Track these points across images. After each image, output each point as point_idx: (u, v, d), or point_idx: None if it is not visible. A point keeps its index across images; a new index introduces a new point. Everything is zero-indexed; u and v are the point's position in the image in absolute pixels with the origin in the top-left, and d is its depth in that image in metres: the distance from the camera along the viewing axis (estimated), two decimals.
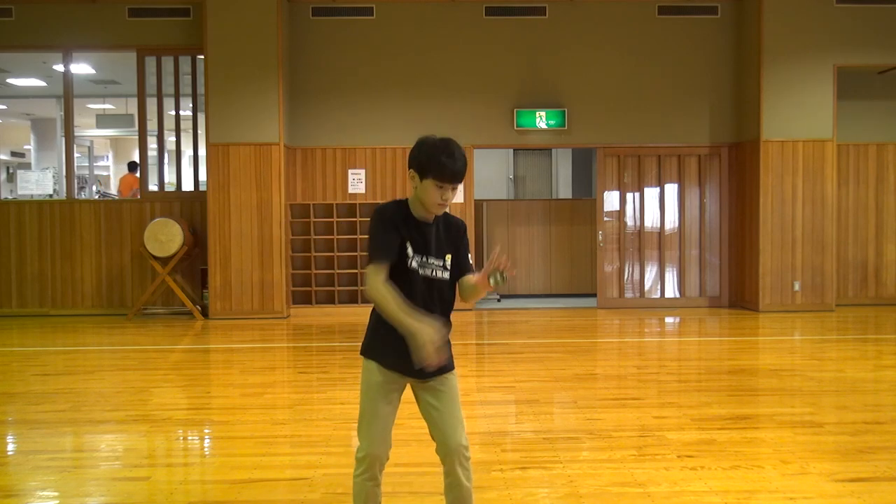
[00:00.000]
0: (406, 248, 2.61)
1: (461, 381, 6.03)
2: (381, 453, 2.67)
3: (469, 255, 2.74)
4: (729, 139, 10.41)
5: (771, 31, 9.70)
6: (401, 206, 2.66)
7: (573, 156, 13.84)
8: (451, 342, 2.70)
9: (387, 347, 2.64)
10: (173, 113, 10.21)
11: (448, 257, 2.67)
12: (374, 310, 2.68)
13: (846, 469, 3.87)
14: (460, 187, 11.40)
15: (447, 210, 2.71)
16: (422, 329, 2.47)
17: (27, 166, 20.38)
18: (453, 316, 2.83)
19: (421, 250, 2.63)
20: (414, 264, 2.61)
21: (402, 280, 2.60)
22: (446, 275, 2.67)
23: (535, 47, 10.28)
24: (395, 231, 2.60)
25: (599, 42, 10.31)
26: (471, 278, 2.67)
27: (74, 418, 5.02)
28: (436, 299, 2.67)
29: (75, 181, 10.60)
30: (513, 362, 6.84)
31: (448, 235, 2.70)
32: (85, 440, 4.67)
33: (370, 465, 2.66)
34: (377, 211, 2.64)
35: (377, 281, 2.53)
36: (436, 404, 2.70)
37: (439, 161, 2.57)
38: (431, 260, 2.64)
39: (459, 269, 2.71)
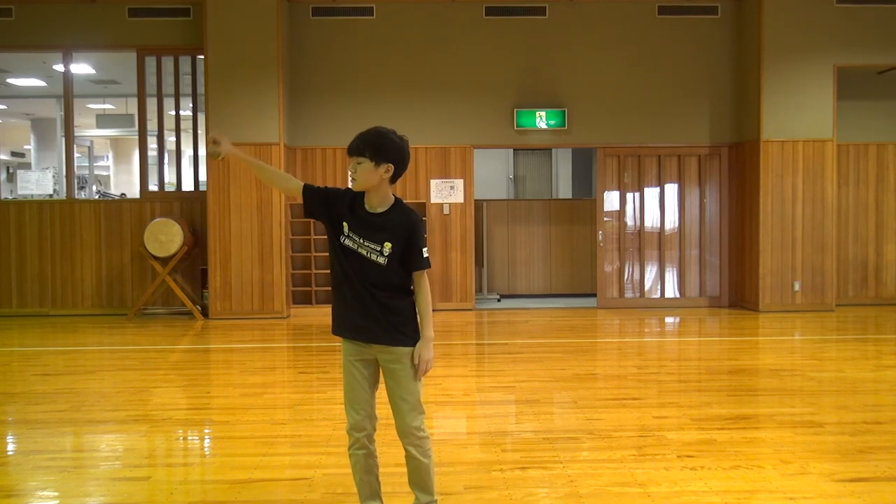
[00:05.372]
0: (342, 226, 2.84)
1: (461, 381, 6.05)
2: (361, 422, 2.89)
3: (422, 250, 2.85)
4: (729, 139, 10.41)
5: (771, 31, 9.70)
6: (358, 196, 2.89)
7: (573, 156, 13.84)
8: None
9: (337, 319, 2.93)
10: (173, 113, 10.20)
11: (387, 245, 2.81)
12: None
13: (846, 469, 3.87)
14: (458, 185, 11.30)
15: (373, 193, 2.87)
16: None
17: (27, 166, 20.41)
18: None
19: (358, 232, 2.82)
20: (348, 242, 2.83)
21: (336, 252, 2.87)
22: (381, 260, 2.81)
23: (535, 47, 10.27)
24: (334, 201, 2.89)
25: (599, 42, 10.31)
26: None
27: (74, 418, 5.02)
28: (370, 276, 2.83)
29: (75, 181, 10.60)
30: (513, 362, 6.84)
31: (395, 226, 2.83)
32: (85, 440, 4.67)
33: (357, 436, 2.89)
34: None
35: None
36: (390, 384, 2.92)
37: None
38: (367, 243, 2.82)
39: (408, 262, 2.84)
